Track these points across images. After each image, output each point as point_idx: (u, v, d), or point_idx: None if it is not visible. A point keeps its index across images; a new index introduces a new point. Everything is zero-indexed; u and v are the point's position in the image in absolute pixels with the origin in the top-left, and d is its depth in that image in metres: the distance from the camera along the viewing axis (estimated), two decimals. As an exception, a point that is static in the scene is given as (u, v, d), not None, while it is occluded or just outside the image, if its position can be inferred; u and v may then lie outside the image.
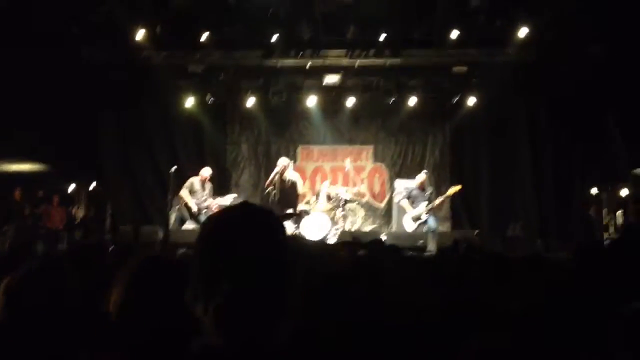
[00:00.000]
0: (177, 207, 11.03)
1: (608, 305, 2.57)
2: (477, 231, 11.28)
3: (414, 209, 10.70)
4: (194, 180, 10.92)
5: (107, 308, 1.59)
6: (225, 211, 1.29)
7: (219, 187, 12.72)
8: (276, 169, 10.78)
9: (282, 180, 10.73)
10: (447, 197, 11.03)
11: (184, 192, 10.77)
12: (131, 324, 1.54)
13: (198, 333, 1.20)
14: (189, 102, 12.85)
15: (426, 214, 10.51)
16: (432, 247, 9.94)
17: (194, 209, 10.68)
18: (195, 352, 1.17)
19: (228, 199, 10.77)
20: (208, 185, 11.00)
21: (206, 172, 11.06)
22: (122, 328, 1.54)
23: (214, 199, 10.81)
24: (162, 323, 1.55)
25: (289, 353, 1.17)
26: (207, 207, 10.66)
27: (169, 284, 1.64)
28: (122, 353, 1.48)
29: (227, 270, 1.15)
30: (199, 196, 10.80)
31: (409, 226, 10.69)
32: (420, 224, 10.53)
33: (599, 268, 3.57)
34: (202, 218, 10.55)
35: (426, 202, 10.60)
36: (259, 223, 1.22)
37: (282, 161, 10.86)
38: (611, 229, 10.92)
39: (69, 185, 13.38)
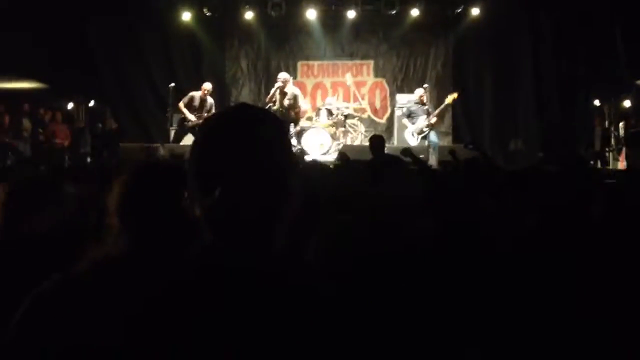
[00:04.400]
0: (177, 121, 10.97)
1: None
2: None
3: (414, 125, 10.64)
4: (195, 95, 10.79)
5: (106, 210, 1.59)
6: (222, 111, 1.25)
7: (218, 104, 12.61)
8: (277, 84, 10.64)
9: (282, 96, 10.61)
10: (447, 105, 10.90)
11: (181, 104, 10.68)
12: (129, 224, 1.54)
13: (196, 236, 1.19)
14: (186, 16, 12.55)
15: (426, 127, 10.46)
16: (433, 161, 9.97)
17: (192, 118, 10.61)
18: (190, 253, 1.16)
19: None
20: (209, 100, 10.84)
21: (207, 85, 10.89)
22: (121, 228, 1.54)
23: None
24: (159, 224, 1.56)
25: (284, 259, 1.16)
26: None
27: (168, 187, 1.63)
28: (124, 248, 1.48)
29: (222, 169, 1.12)
30: (197, 113, 10.70)
31: (411, 140, 10.66)
32: (422, 138, 10.50)
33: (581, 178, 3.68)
34: None
35: (425, 116, 10.51)
36: (257, 122, 1.18)
37: (283, 76, 10.69)
38: (613, 141, 10.91)
39: (67, 102, 13.27)
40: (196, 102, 10.72)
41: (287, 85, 10.60)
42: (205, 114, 10.61)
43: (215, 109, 10.90)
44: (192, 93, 10.81)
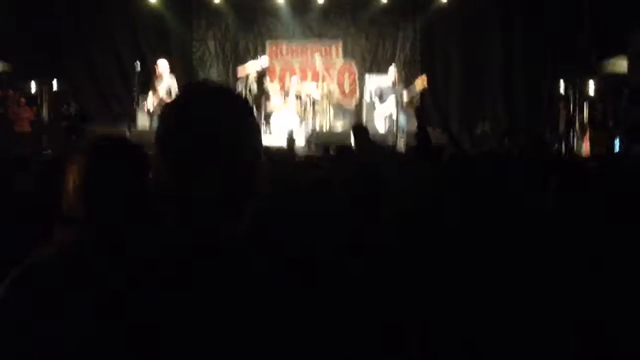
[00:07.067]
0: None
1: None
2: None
3: (383, 104, 10.60)
4: (153, 78, 10.34)
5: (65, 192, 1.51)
6: (183, 92, 1.20)
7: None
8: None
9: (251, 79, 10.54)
10: (418, 93, 10.87)
11: (150, 93, 10.32)
12: (91, 206, 1.48)
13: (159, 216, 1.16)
14: (152, -4, 12.36)
15: (396, 109, 10.43)
16: (401, 146, 9.99)
17: (150, 108, 10.25)
18: (155, 235, 1.13)
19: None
20: (166, 80, 10.16)
21: (160, 66, 10.25)
22: (82, 211, 1.48)
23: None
24: (122, 206, 1.51)
25: (246, 251, 1.13)
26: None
27: (129, 166, 1.57)
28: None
29: (185, 150, 1.08)
30: (160, 94, 10.20)
31: (381, 126, 10.65)
32: (391, 124, 10.49)
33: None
34: None
35: (394, 96, 10.47)
36: (217, 101, 1.14)
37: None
38: (577, 125, 11.07)
39: (28, 84, 12.88)
40: (157, 85, 10.31)
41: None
42: (163, 94, 10.10)
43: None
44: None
